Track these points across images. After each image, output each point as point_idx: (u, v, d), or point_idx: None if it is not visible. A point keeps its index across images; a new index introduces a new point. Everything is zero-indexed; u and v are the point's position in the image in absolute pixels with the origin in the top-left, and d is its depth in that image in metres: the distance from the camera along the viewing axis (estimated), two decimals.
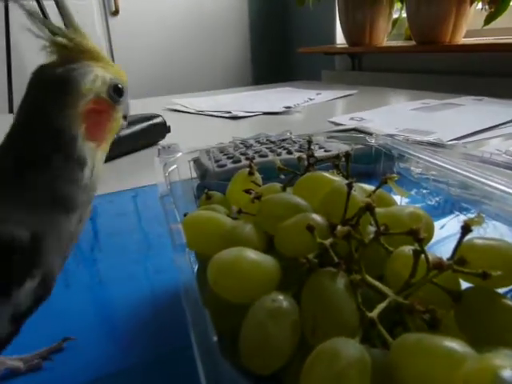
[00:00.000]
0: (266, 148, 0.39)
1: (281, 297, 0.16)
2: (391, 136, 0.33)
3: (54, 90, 0.18)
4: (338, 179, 0.22)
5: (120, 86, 0.21)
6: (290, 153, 0.39)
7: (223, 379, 0.10)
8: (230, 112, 0.91)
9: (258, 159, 0.39)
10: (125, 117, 0.22)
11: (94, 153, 0.19)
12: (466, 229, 0.17)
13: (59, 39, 0.19)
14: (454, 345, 0.14)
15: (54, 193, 0.17)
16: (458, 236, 0.18)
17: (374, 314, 0.16)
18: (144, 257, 0.34)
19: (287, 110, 0.91)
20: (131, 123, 0.65)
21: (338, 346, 0.14)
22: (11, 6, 1.46)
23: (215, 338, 0.12)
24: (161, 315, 0.26)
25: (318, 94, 1.09)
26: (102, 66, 0.20)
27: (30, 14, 0.19)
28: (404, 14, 1.38)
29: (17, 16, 1.50)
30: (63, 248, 0.18)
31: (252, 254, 0.18)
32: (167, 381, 0.22)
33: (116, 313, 0.27)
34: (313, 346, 0.15)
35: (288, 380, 0.16)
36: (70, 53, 0.19)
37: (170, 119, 0.70)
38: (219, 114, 0.91)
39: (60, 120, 0.18)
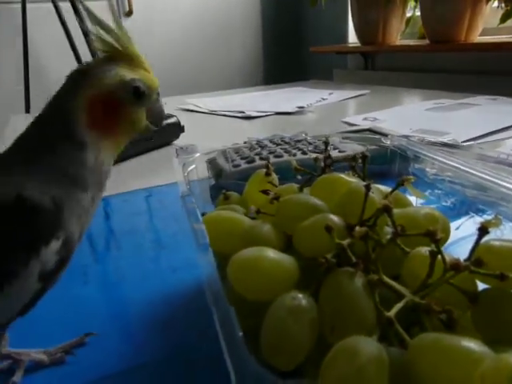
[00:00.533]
0: (281, 149, 0.40)
1: (300, 295, 0.17)
2: (406, 137, 0.33)
3: (69, 81, 0.21)
4: (354, 181, 0.23)
5: (141, 88, 0.22)
6: (304, 153, 0.40)
7: (251, 373, 0.11)
8: (243, 112, 0.91)
9: (272, 159, 0.39)
10: (155, 122, 0.24)
11: (97, 140, 0.20)
12: (483, 230, 0.17)
13: (107, 37, 0.21)
14: (472, 344, 0.14)
15: (65, 171, 0.19)
16: (473, 237, 0.18)
17: (392, 313, 0.17)
18: (160, 255, 0.35)
19: (300, 110, 0.91)
20: None
21: (357, 344, 0.15)
22: (28, 6, 1.49)
23: (241, 334, 0.12)
24: (177, 313, 0.27)
25: (330, 94, 1.09)
26: (132, 69, 0.22)
27: (87, 10, 0.21)
28: (418, 13, 1.37)
29: (34, 17, 1.53)
30: (80, 220, 0.20)
31: (272, 253, 0.18)
32: (182, 376, 0.22)
33: (133, 310, 0.28)
34: (330, 343, 0.15)
35: (307, 375, 0.17)
36: (110, 51, 0.22)
37: (184, 119, 0.70)
38: (232, 113, 0.92)
39: (65, 106, 0.20)
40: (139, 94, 0.22)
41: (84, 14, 0.22)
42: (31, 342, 0.24)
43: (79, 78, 0.21)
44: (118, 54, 0.22)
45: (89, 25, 0.21)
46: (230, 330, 0.13)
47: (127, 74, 0.21)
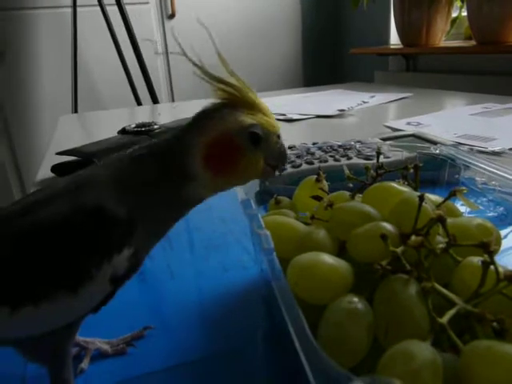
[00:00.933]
0: (328, 154, 0.41)
1: (356, 299, 0.18)
2: (455, 146, 0.33)
3: (192, 121, 0.22)
4: (407, 190, 0.23)
5: (258, 134, 0.22)
6: (349, 158, 0.40)
7: (325, 370, 0.12)
8: (284, 114, 0.92)
9: (317, 164, 0.40)
10: (276, 166, 0.24)
11: (205, 180, 0.21)
12: None
13: (221, 86, 0.22)
14: None
15: (157, 194, 0.21)
16: None
17: (445, 319, 0.17)
18: (211, 255, 0.36)
19: (341, 113, 0.91)
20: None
21: (412, 348, 0.16)
22: (78, 10, 1.55)
23: (310, 333, 0.13)
24: (227, 313, 0.28)
25: (371, 97, 1.08)
26: (251, 113, 0.22)
27: (197, 65, 0.22)
28: (464, 13, 1.34)
29: (82, 20, 1.59)
30: (152, 239, 0.21)
31: (329, 259, 0.19)
32: (229, 376, 0.23)
33: (185, 308, 0.29)
34: (384, 347, 0.16)
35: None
36: (229, 97, 0.22)
37: None
38: (274, 116, 0.93)
39: (183, 144, 0.21)
40: (256, 140, 0.22)
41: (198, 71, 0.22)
42: (93, 333, 0.26)
43: (196, 119, 0.22)
44: (238, 100, 0.23)
45: (206, 79, 0.22)
46: (301, 329, 0.14)
47: (246, 119, 0.22)
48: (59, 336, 0.20)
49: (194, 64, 0.22)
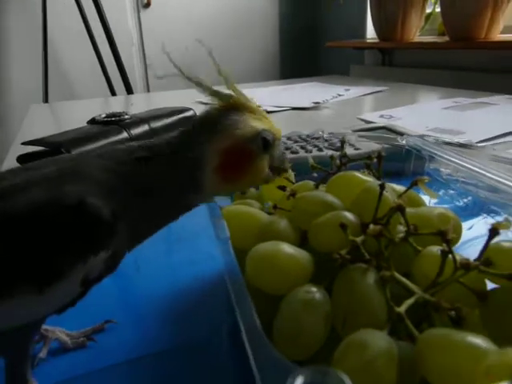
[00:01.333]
0: (298, 145, 0.40)
1: (314, 289, 0.18)
2: (421, 137, 0.33)
3: (204, 127, 0.22)
4: (370, 179, 0.23)
5: (269, 139, 0.22)
6: (320, 150, 0.40)
7: (270, 360, 0.12)
8: (259, 106, 0.92)
9: (288, 155, 0.40)
10: (276, 168, 0.24)
11: (214, 187, 0.21)
12: (493, 232, 0.18)
13: (219, 96, 0.22)
14: (477, 340, 0.15)
15: (154, 197, 0.20)
16: (484, 237, 0.18)
17: (402, 309, 0.17)
18: (178, 248, 0.36)
19: (316, 106, 0.91)
20: (162, 116, 0.66)
21: (367, 337, 0.15)
22: (48, 2, 1.51)
23: (259, 324, 0.13)
24: (192, 305, 0.28)
25: (346, 90, 1.09)
26: (259, 119, 0.22)
27: (195, 82, 0.22)
28: (438, 9, 1.35)
29: (53, 8, 1.55)
30: (133, 242, 0.20)
31: (288, 248, 0.19)
32: (193, 367, 0.23)
33: (149, 301, 0.29)
34: (342, 336, 0.16)
35: None
36: (232, 103, 0.22)
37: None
38: None
39: (195, 153, 0.21)
40: (267, 145, 0.22)
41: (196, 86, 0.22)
42: (55, 323, 0.25)
43: (210, 125, 0.22)
44: (240, 105, 0.22)
45: (205, 95, 0.22)
46: (250, 321, 0.13)
47: (257, 124, 0.22)
48: (22, 331, 0.19)
49: (197, 84, 0.22)
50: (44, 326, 0.25)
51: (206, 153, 0.21)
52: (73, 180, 0.18)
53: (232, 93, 0.23)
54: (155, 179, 0.20)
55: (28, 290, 0.16)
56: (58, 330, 0.25)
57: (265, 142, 0.22)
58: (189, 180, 0.20)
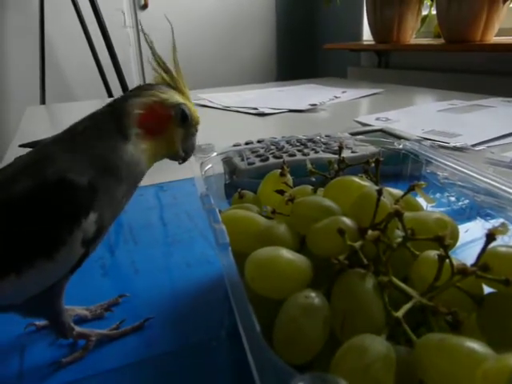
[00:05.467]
0: (295, 149, 0.40)
1: (313, 294, 0.18)
2: (418, 141, 0.33)
3: (138, 88, 0.26)
4: (367, 184, 0.23)
5: (186, 113, 0.26)
6: (317, 153, 0.40)
7: (270, 365, 0.12)
8: (256, 108, 0.92)
9: (285, 158, 0.40)
10: (185, 151, 0.27)
11: (139, 139, 0.24)
12: (490, 237, 0.18)
13: (165, 76, 0.27)
14: (475, 345, 0.15)
15: (106, 160, 0.23)
16: (481, 241, 0.19)
17: (400, 313, 0.17)
18: (175, 250, 0.36)
19: (312, 108, 0.91)
20: None
21: (366, 342, 0.16)
22: (46, 4, 1.50)
23: (259, 328, 0.13)
24: (189, 308, 0.28)
25: (343, 92, 1.09)
26: (184, 98, 0.26)
27: (155, 55, 0.27)
28: (434, 11, 1.36)
29: (50, 8, 1.54)
30: (112, 205, 0.23)
31: (287, 253, 0.19)
32: (191, 370, 0.23)
33: (147, 303, 0.29)
34: (341, 341, 0.16)
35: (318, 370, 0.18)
36: (167, 82, 0.27)
37: None
38: (245, 110, 0.92)
39: (123, 104, 0.24)
40: (185, 119, 0.26)
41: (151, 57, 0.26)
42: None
43: (141, 86, 0.26)
44: (176, 86, 0.27)
45: (153, 63, 0.27)
46: (250, 326, 0.14)
47: (179, 98, 0.26)
48: (48, 296, 0.22)
49: (153, 52, 0.26)
50: (77, 328, 0.25)
51: (132, 103, 0.24)
52: (49, 163, 0.21)
53: (175, 75, 0.27)
54: (95, 141, 0.23)
55: (43, 259, 0.20)
56: (76, 308, 0.28)
57: (183, 115, 0.26)
58: (118, 130, 0.23)
